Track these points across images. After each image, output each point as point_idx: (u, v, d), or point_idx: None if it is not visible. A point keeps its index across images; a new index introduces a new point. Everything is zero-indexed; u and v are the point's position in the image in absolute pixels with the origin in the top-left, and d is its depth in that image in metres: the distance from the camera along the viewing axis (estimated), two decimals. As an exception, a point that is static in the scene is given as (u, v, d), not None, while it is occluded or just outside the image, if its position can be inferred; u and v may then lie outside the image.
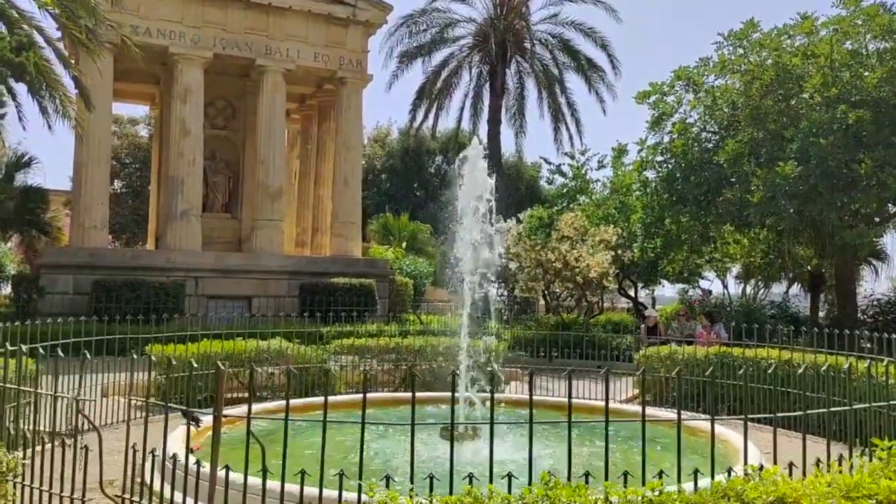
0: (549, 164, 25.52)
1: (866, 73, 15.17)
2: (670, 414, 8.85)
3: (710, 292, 31.85)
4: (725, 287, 34.34)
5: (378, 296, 23.08)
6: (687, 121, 18.51)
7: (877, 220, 17.18)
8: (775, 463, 4.87)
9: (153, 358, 11.41)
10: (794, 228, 16.73)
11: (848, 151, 14.64)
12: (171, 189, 22.50)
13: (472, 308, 9.44)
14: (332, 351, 13.38)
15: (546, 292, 20.43)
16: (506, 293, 29.46)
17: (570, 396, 4.40)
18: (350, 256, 24.51)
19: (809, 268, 23.89)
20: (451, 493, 3.74)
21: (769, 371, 10.12)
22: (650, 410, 9.82)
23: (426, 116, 25.53)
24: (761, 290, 32.09)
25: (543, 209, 21.79)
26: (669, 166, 18.30)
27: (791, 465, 4.39)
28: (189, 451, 5.46)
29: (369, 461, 7.02)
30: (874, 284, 27.11)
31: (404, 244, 28.81)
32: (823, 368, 7.56)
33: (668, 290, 29.85)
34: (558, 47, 23.93)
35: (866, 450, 4.53)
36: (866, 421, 6.75)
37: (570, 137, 24.34)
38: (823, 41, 16.20)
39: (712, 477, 4.18)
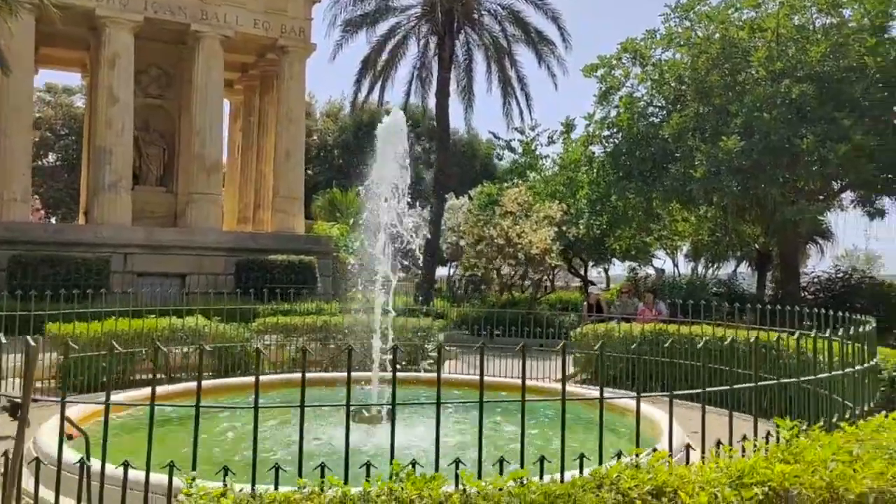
0: (499, 139, 24.93)
1: (811, 48, 14.84)
2: (595, 392, 8.42)
3: (663, 271, 31.83)
4: (676, 265, 34.40)
5: (320, 273, 22.32)
6: (634, 95, 18.06)
7: (821, 197, 17.00)
8: (703, 442, 4.42)
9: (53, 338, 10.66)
10: (738, 205, 16.45)
11: (791, 126, 14.34)
12: (99, 160, 21.33)
13: (393, 286, 8.82)
14: (256, 329, 12.69)
15: (497, 270, 19.93)
16: (460, 272, 28.99)
17: (482, 374, 3.84)
18: (292, 233, 23.64)
19: (757, 246, 23.84)
20: (345, 482, 3.23)
21: (699, 347, 9.75)
22: (580, 389, 9.42)
23: (371, 89, 24.62)
24: (711, 269, 32.17)
25: (493, 185, 21.25)
26: (616, 141, 17.86)
27: (718, 442, 3.95)
28: (62, 441, 4.79)
29: (268, 448, 6.38)
30: (819, 262, 27.30)
31: (352, 220, 27.98)
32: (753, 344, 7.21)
33: (624, 269, 29.65)
34: (508, 19, 23.20)
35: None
36: (799, 397, 6.36)
37: (521, 112, 23.72)
38: (770, 15, 15.84)
39: (600, 462, 3.67)
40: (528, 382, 10.30)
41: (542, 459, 3.58)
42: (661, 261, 33.41)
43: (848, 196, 18.00)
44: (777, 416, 4.00)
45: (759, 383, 4.68)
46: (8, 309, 10.11)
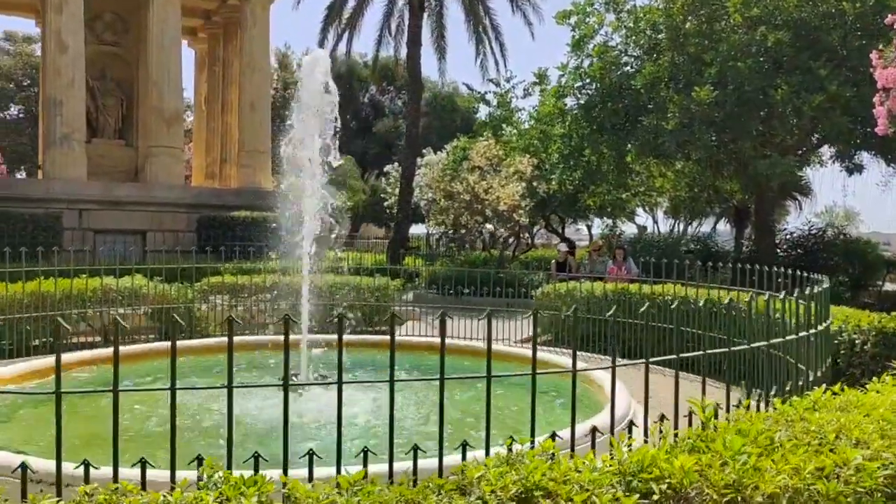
0: (472, 90, 24.03)
1: (790, -7, 14.03)
2: (565, 361, 7.91)
3: (644, 228, 31.31)
4: (656, 223, 33.90)
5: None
6: (609, 44, 17.20)
7: (799, 152, 16.36)
8: (646, 417, 3.88)
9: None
10: (713, 159, 15.80)
11: (766, 77, 13.61)
12: (50, 112, 20.32)
13: (319, 243, 8.17)
14: (200, 290, 12.04)
15: (470, 228, 19.24)
16: (435, 230, 28.33)
17: (393, 335, 3.27)
18: (258, 188, 22.82)
19: (734, 202, 23.26)
20: (229, 468, 2.72)
21: (671, 308, 9.28)
22: (544, 353, 8.88)
23: (340, 38, 23.56)
24: (691, 226, 31.69)
25: (466, 140, 20.46)
26: (589, 93, 17.06)
27: (662, 417, 3.51)
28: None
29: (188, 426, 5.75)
30: (798, 219, 26.84)
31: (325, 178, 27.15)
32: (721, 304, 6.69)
33: (603, 227, 29.09)
34: (481, -39, 22.16)
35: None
36: (761, 363, 5.85)
37: (496, 63, 22.86)
38: (751, -42, 14.94)
39: (487, 451, 3.09)
40: (475, 345, 9.73)
41: (464, 445, 3.11)
42: (642, 217, 32.90)
43: (826, 151, 17.38)
44: (737, 383, 3.46)
45: (708, 351, 4.14)
46: None
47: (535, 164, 17.68)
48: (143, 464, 2.80)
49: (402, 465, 3.03)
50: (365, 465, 2.89)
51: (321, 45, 23.15)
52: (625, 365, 5.09)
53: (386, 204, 26.03)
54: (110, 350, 8.66)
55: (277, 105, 30.85)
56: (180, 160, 22.36)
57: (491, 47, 22.10)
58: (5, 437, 5.44)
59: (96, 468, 2.88)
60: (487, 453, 3.02)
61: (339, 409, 3.10)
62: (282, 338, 7.59)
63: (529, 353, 8.35)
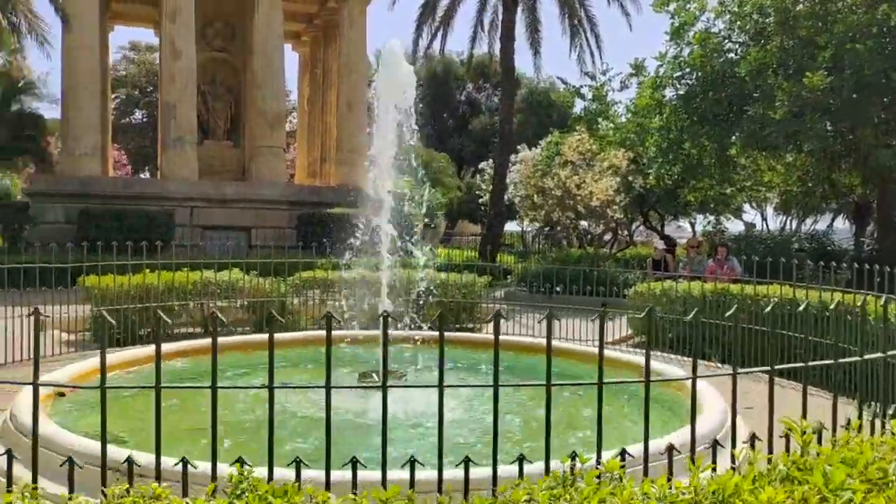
0: (566, 84, 23.57)
1: (917, -33, 12.89)
2: (666, 368, 7.55)
3: (752, 225, 29.78)
4: (765, 219, 32.16)
5: (383, 227, 21.99)
6: (711, 30, 16.40)
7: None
8: (734, 429, 3.51)
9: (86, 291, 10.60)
10: (829, 150, 14.75)
11: (888, 58, 12.56)
12: (165, 115, 21.54)
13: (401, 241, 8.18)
14: (293, 284, 12.37)
15: (562, 224, 18.89)
16: (530, 227, 28.04)
17: (497, 335, 3.16)
18: (355, 186, 23.28)
19: (854, 197, 21.68)
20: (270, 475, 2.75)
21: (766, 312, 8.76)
22: (631, 356, 8.54)
23: (435, 35, 23.65)
24: (804, 223, 29.87)
25: (560, 134, 20.10)
26: (689, 83, 16.33)
27: (752, 438, 3.07)
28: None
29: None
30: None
31: (419, 174, 27.44)
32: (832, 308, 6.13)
33: (705, 224, 27.86)
34: (576, -48, 21.69)
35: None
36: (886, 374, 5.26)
37: (592, 56, 22.27)
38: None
39: (547, 467, 2.89)
40: (578, 347, 9.40)
41: (520, 459, 2.90)
42: (750, 214, 31.33)
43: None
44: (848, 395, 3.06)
45: (811, 363, 3.62)
46: (58, 261, 9.99)
47: (631, 159, 17.10)
48: (185, 463, 2.79)
49: (467, 473, 2.90)
50: (412, 475, 2.79)
51: (415, 44, 23.34)
52: (710, 376, 4.74)
53: (481, 201, 26.01)
54: (207, 341, 9.02)
55: (374, 105, 31.39)
56: (282, 159, 23.16)
57: (586, 39, 21.61)
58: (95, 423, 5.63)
59: (195, 467, 2.86)
60: (548, 471, 2.78)
61: (440, 414, 2.97)
62: (362, 333, 7.53)
63: (619, 355, 8.01)
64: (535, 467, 3.05)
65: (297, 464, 2.76)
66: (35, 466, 2.80)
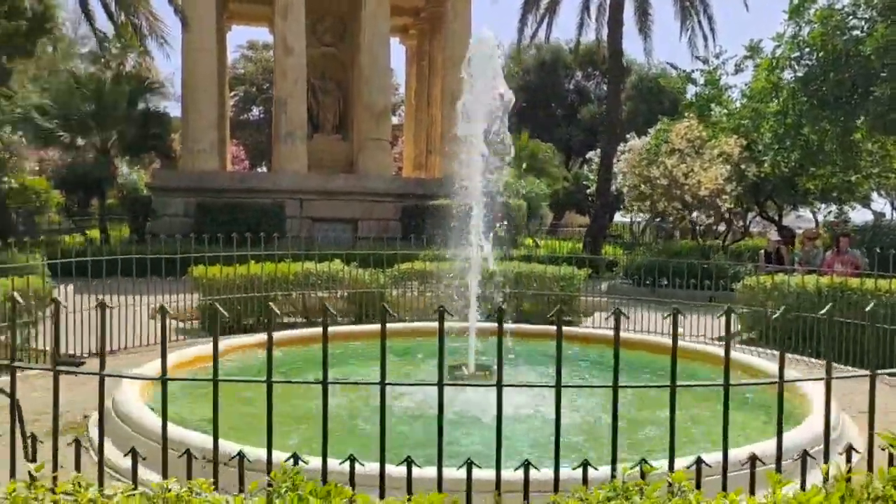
0: (676, 70, 22.66)
1: None
2: (765, 365, 7.16)
3: (882, 215, 27.63)
4: (895, 208, 29.71)
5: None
6: (834, 6, 15.27)
7: None
8: (827, 442, 3.24)
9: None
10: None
11: None
12: (276, 111, 22.43)
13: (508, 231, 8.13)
14: (391, 276, 12.58)
15: (668, 215, 18.20)
16: (640, 217, 27.26)
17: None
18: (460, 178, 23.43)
19: None
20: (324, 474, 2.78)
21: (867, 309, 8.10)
22: (741, 356, 8.13)
23: (539, 24, 23.33)
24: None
25: (668, 122, 19.37)
26: (809, 63, 15.29)
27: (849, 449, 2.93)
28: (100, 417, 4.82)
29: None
30: None
31: (524, 165, 27.23)
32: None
33: (826, 213, 26.11)
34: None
35: None
36: None
37: (705, 39, 21.30)
38: None
39: (613, 469, 2.78)
40: (682, 343, 9.00)
41: (585, 465, 2.82)
42: (879, 203, 29.08)
43: None
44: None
45: None
46: (169, 252, 10.65)
47: (744, 145, 16.21)
48: (241, 457, 2.86)
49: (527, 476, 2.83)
50: (439, 478, 2.73)
51: (519, 33, 23.14)
52: (845, 377, 4.42)
53: (588, 192, 25.51)
54: (310, 330, 9.31)
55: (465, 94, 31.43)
56: (388, 152, 23.59)
57: (698, 21, 20.66)
58: (187, 410, 5.84)
59: (305, 462, 2.82)
60: (614, 474, 2.62)
61: (498, 413, 2.85)
62: (457, 325, 7.47)
63: (721, 352, 7.62)
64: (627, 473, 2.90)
65: (352, 461, 2.78)
66: (165, 466, 2.87)
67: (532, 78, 40.09)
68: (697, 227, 19.57)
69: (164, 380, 2.87)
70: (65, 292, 10.18)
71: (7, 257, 11.10)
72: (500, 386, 2.82)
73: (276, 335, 8.81)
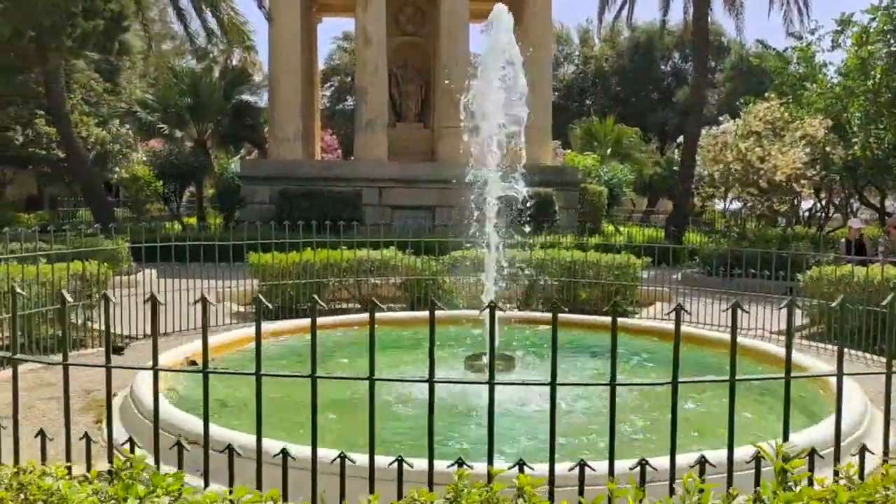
0: (767, 48, 21.44)
1: None
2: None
3: None
4: None
5: (561, 206, 21.74)
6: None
7: None
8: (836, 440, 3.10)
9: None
10: None
11: None
12: (357, 100, 22.94)
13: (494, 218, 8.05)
14: (446, 263, 12.69)
15: (746, 201, 17.34)
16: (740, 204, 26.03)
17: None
18: (537, 164, 23.19)
19: None
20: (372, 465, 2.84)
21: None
22: (803, 358, 7.72)
23: (623, 5, 22.65)
24: None
25: (753, 103, 18.39)
26: (905, 37, 14.14)
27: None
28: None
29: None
30: None
31: (609, 150, 26.62)
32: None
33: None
34: None
35: None
36: None
37: (799, 13, 20.04)
38: None
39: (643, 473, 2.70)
40: (723, 337, 8.66)
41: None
42: None
43: None
44: None
45: None
46: (263, 237, 11.29)
47: (830, 127, 15.17)
48: (285, 455, 2.89)
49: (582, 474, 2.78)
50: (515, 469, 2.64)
51: (600, 15, 22.59)
52: (800, 377, 4.22)
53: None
54: (357, 316, 9.50)
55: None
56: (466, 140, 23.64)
57: (793, -6, 19.43)
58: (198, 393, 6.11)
59: (352, 462, 2.87)
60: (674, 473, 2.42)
61: (611, 415, 2.78)
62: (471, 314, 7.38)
63: (773, 349, 7.26)
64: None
65: (342, 459, 2.82)
66: (206, 465, 2.94)
67: (625, 61, 39.02)
68: (801, 214, 18.52)
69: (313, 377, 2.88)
70: (146, 275, 11.07)
71: (95, 242, 12.04)
72: (553, 384, 2.74)
73: (328, 319, 9.15)
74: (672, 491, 2.38)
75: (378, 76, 22.57)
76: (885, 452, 2.87)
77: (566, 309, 10.09)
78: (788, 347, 2.78)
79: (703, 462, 2.75)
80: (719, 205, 31.56)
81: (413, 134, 25.53)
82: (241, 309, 11.36)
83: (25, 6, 11.09)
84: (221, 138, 24.58)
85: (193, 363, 7.10)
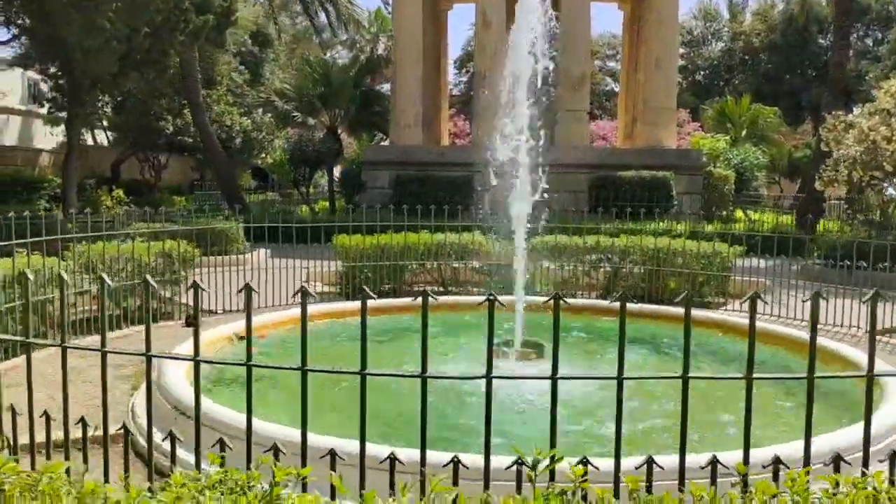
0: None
1: None
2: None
3: None
4: None
5: (680, 190, 20.80)
6: None
7: None
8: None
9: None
10: None
11: None
12: (475, 84, 23.12)
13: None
14: (528, 250, 12.66)
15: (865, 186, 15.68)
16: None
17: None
18: (658, 147, 22.33)
19: None
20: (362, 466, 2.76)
21: None
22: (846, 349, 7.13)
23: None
24: None
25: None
26: None
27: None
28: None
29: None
30: None
31: (744, 131, 24.99)
32: None
33: None
34: None
35: None
36: None
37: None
38: None
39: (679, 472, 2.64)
40: (825, 342, 8.10)
41: (713, 463, 2.70)
42: None
43: None
44: None
45: None
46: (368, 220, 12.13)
47: None
48: (333, 455, 2.77)
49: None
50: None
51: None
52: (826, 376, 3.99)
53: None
54: (443, 298, 9.74)
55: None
56: (585, 123, 23.19)
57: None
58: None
59: (402, 463, 2.77)
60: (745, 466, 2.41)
61: (618, 408, 2.67)
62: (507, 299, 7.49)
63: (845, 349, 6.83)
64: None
65: (455, 464, 2.71)
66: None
67: (777, 37, 36.21)
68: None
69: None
70: (258, 255, 12.11)
71: (206, 222, 13.21)
72: (620, 379, 2.65)
73: (396, 302, 9.45)
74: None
75: (497, 61, 22.59)
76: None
77: (634, 301, 9.80)
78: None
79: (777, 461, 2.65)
80: (888, 189, 28.67)
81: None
82: (326, 289, 12.00)
83: (140, 4, 12.30)
84: (351, 125, 25.69)
85: (242, 338, 7.66)
